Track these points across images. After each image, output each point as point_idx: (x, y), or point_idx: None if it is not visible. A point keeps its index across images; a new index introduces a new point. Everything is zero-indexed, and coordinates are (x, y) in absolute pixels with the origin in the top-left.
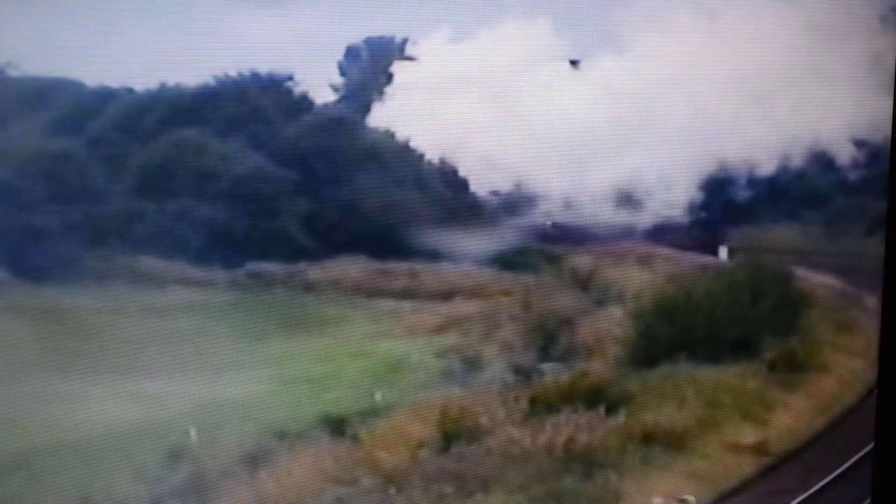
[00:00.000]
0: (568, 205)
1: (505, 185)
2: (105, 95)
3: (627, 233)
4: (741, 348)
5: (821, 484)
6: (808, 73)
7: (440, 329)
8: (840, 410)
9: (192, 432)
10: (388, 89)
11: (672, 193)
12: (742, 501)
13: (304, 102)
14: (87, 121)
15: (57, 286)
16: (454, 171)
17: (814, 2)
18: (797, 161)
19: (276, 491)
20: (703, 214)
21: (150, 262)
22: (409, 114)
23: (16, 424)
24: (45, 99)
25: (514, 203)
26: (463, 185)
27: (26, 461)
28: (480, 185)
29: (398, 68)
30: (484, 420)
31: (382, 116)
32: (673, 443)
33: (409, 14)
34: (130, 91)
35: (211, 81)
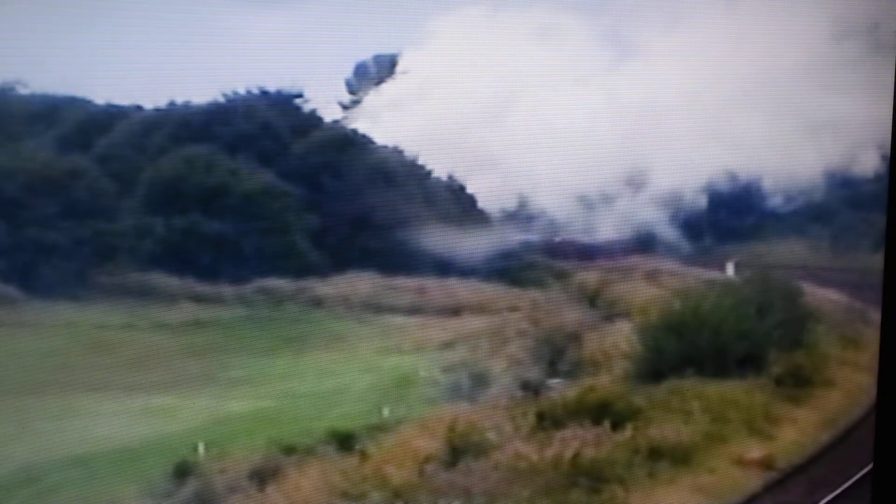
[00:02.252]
0: (576, 219)
1: (513, 201)
2: (114, 113)
3: (634, 248)
4: (748, 363)
5: (827, 499)
6: (817, 86)
7: (448, 344)
8: (846, 425)
9: (201, 447)
10: (395, 104)
11: (679, 208)
12: None
13: (313, 119)
14: (97, 138)
15: (67, 302)
16: (462, 187)
17: (824, 15)
18: (806, 176)
19: None
20: (710, 229)
21: (159, 279)
22: (416, 129)
23: (26, 439)
24: (54, 116)
25: (522, 218)
26: (471, 201)
27: (36, 475)
28: (488, 200)
29: (405, 83)
30: (491, 435)
31: (389, 131)
32: (679, 457)
33: (416, 28)
34: (139, 108)
35: (220, 98)
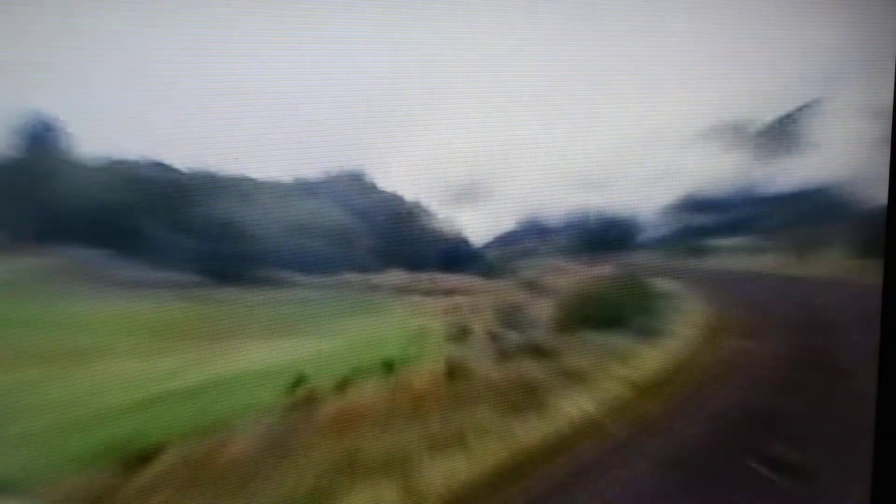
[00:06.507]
0: (537, 227)
1: (488, 218)
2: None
3: (578, 255)
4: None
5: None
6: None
7: (446, 311)
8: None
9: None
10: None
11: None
12: None
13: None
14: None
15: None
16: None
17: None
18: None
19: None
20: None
21: (275, 272)
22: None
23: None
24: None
25: (496, 234)
26: (460, 230)
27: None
28: (472, 221)
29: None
30: (473, 365)
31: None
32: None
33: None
34: None
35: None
